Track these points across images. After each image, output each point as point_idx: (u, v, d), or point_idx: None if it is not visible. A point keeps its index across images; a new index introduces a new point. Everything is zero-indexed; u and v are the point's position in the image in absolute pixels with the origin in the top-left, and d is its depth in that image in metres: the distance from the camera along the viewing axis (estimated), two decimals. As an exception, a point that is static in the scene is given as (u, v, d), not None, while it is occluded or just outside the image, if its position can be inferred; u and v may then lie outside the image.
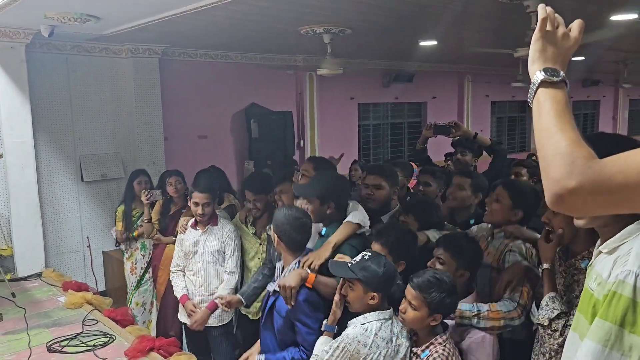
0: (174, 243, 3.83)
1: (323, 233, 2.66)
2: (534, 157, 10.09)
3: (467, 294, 2.23)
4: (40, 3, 3.62)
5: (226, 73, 6.65)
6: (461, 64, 9.64)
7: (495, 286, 2.33)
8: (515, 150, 12.43)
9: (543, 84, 1.05)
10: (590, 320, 1.48)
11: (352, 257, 2.23)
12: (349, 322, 2.09)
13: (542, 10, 1.10)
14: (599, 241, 1.41)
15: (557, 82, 1.05)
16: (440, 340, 1.96)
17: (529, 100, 1.09)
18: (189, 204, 3.53)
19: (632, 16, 4.64)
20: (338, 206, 2.64)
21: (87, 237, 5.52)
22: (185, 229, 3.51)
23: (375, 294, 2.04)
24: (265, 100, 7.00)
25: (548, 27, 1.09)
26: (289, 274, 2.35)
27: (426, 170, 3.86)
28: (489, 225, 2.94)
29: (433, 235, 2.66)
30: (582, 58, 8.21)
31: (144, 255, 4.54)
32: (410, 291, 2.00)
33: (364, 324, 2.03)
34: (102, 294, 4.45)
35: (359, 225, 2.57)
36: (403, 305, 2.03)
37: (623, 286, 1.38)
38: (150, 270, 4.54)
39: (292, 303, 2.28)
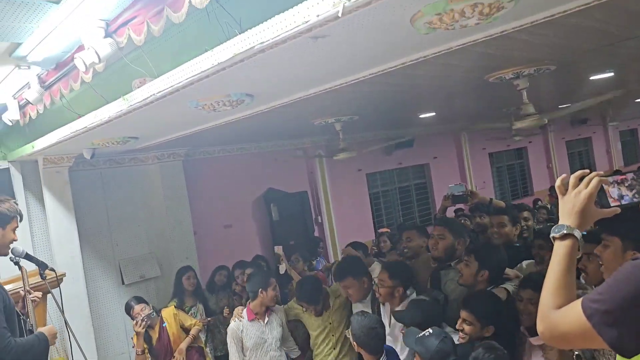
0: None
1: None
2: (539, 202, 10.46)
3: None
4: (89, 135, 4.07)
5: (243, 164, 7.13)
6: (456, 123, 10.20)
7: None
8: (519, 195, 12.81)
9: (553, 239, 1.35)
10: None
11: None
12: None
13: (559, 181, 1.39)
14: None
15: (563, 236, 1.32)
16: None
17: None
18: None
19: (609, 74, 5.17)
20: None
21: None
22: (242, 317, 3.70)
23: None
24: (280, 183, 7.45)
25: (570, 188, 1.36)
26: None
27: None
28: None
29: (511, 289, 2.84)
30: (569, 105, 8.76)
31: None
32: None
33: None
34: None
35: None
36: None
37: None
38: None
39: None
